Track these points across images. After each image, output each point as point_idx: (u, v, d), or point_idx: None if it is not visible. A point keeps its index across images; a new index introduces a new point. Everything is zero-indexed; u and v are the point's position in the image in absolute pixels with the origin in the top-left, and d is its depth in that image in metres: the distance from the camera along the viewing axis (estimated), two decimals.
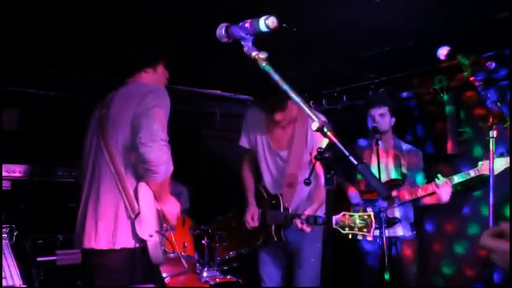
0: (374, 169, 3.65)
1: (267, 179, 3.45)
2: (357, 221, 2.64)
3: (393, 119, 3.87)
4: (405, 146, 3.88)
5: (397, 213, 3.69)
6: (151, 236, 2.43)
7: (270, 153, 3.41)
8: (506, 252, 1.05)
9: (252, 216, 3.39)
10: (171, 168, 2.47)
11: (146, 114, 2.42)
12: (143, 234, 2.42)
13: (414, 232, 3.80)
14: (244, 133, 3.52)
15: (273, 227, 3.27)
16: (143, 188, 2.47)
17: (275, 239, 3.26)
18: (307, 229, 3.04)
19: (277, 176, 3.40)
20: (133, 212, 2.43)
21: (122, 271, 2.46)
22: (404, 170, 3.75)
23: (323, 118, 3.05)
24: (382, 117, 3.80)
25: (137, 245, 2.46)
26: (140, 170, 2.45)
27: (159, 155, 2.35)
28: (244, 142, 3.54)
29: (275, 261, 3.48)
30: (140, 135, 2.36)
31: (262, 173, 3.48)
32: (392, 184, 3.70)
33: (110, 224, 2.46)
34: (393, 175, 3.77)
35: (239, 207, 3.55)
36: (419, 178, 3.77)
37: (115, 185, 2.49)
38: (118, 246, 2.43)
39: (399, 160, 3.76)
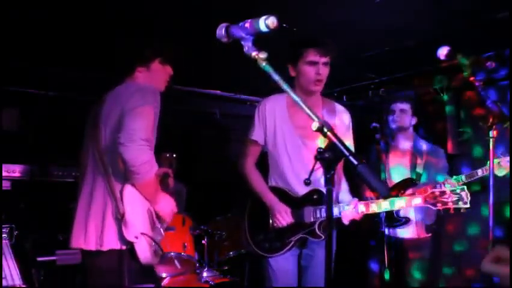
0: (394, 170, 3.72)
1: (289, 175, 3.00)
2: (450, 195, 2.68)
3: (414, 119, 3.82)
4: (425, 146, 3.81)
5: (412, 213, 3.65)
6: (136, 237, 2.42)
7: (295, 145, 2.99)
8: (507, 276, 1.11)
9: (286, 211, 2.93)
10: (154, 168, 2.43)
11: (129, 113, 2.39)
12: (128, 236, 2.41)
13: (430, 234, 3.71)
14: (258, 126, 3.05)
15: (316, 224, 2.89)
16: (128, 189, 2.45)
17: (322, 237, 2.88)
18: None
19: (301, 171, 2.96)
20: (119, 213, 2.43)
21: (111, 272, 2.45)
22: (419, 169, 3.71)
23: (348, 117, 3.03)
24: (402, 113, 3.76)
25: (124, 247, 2.44)
26: (123, 170, 2.43)
27: (137, 155, 2.32)
28: (258, 136, 3.04)
29: (293, 268, 3.07)
30: (119, 134, 2.34)
31: (282, 169, 3.01)
32: (406, 183, 3.64)
33: (98, 225, 2.45)
34: (408, 175, 3.73)
35: (239, 207, 3.49)
36: (440, 178, 3.66)
37: (104, 185, 2.49)
38: (105, 248, 2.42)
39: (415, 159, 3.73)
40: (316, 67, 2.88)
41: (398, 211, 3.59)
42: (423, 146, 3.81)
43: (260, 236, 3.00)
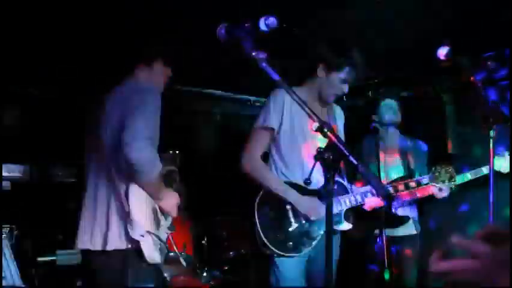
0: (392, 169, 3.72)
1: (309, 164, 2.81)
2: (444, 173, 3.11)
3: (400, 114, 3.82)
4: (409, 142, 3.81)
5: (400, 211, 3.65)
6: (142, 236, 2.43)
7: (312, 136, 2.82)
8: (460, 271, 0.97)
9: (316, 205, 2.81)
10: (158, 167, 2.43)
11: (131, 113, 2.40)
12: (134, 234, 2.42)
13: (418, 230, 3.77)
14: (274, 112, 2.85)
15: (342, 214, 2.88)
16: (134, 188, 2.46)
17: (350, 225, 2.89)
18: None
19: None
20: (124, 212, 2.43)
21: (116, 272, 2.46)
22: (411, 166, 3.71)
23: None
24: (391, 109, 3.78)
25: (130, 246, 2.45)
26: (127, 170, 2.43)
27: (141, 154, 2.32)
28: (274, 122, 2.85)
29: (300, 271, 2.90)
30: (123, 134, 2.34)
31: (302, 159, 2.88)
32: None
33: (103, 225, 2.47)
34: (400, 172, 3.72)
35: (242, 207, 3.44)
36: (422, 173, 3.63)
37: (107, 186, 2.50)
38: (111, 248, 2.44)
39: (406, 157, 3.73)
40: (345, 85, 2.94)
41: (397, 210, 3.61)
42: (408, 141, 3.81)
43: (279, 235, 2.82)
